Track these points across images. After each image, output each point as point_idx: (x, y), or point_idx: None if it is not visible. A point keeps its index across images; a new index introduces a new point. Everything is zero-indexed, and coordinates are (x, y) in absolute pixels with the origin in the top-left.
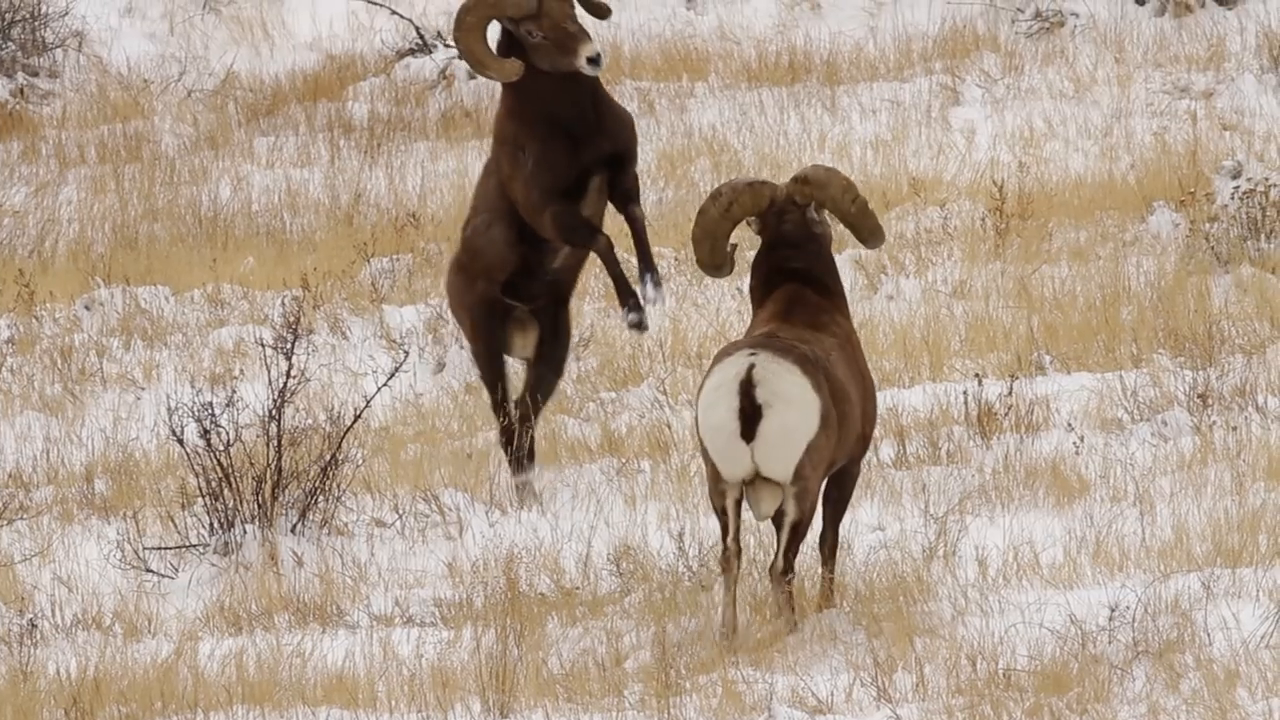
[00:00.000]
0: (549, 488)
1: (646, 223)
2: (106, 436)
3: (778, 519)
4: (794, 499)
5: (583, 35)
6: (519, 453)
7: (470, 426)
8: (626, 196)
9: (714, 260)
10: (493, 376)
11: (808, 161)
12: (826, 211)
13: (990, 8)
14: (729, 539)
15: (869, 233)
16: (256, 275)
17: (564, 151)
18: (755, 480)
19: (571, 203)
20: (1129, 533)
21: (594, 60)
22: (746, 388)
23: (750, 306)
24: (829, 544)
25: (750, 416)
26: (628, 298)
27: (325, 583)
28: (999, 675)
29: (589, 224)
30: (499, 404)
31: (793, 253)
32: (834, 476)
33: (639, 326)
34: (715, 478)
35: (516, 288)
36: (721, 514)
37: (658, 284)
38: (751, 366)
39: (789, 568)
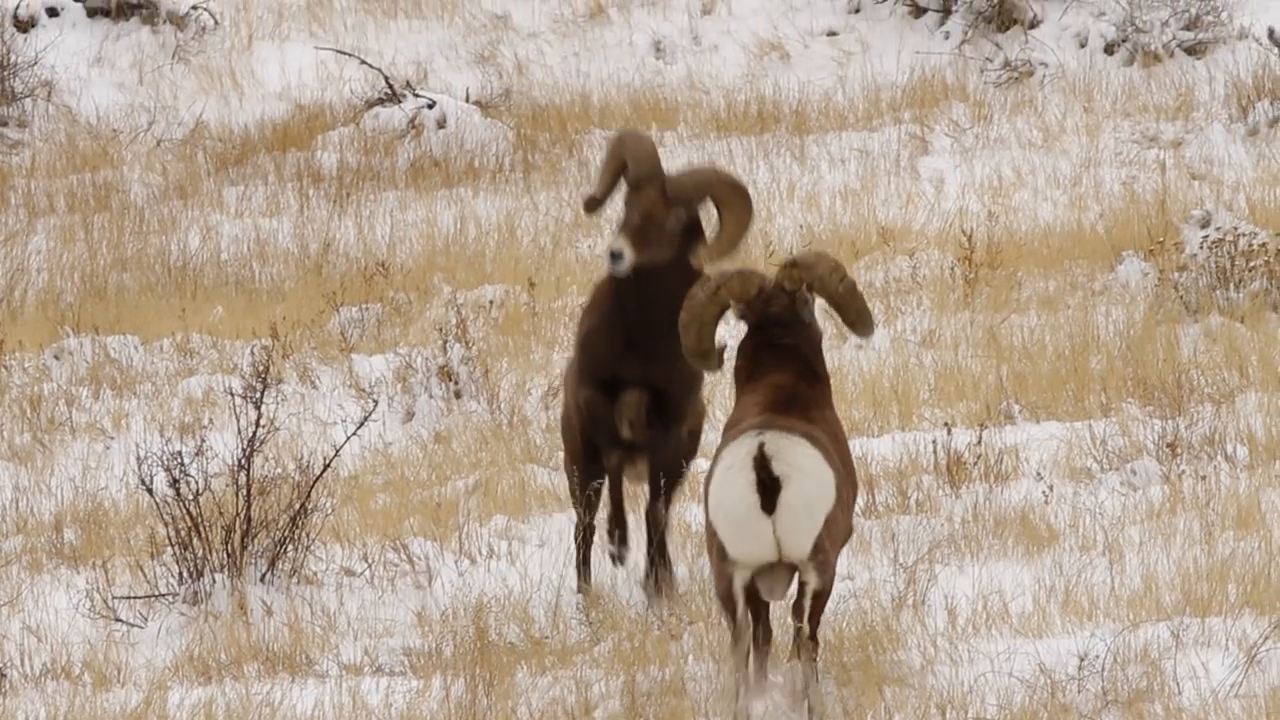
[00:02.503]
0: (518, 537)
1: (667, 528)
2: (76, 486)
3: (800, 590)
4: (815, 571)
5: (627, 230)
6: (584, 551)
7: (439, 476)
8: (655, 483)
9: (701, 346)
10: (577, 469)
11: (776, 211)
12: (815, 300)
13: (959, 57)
14: (738, 617)
15: (856, 315)
16: (225, 324)
17: (610, 346)
18: (770, 565)
19: (607, 397)
20: (1098, 582)
21: (612, 255)
22: (762, 462)
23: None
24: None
25: (769, 488)
26: (616, 529)
27: (294, 632)
28: None
29: (614, 434)
30: (578, 498)
31: (781, 331)
32: None
33: (615, 560)
34: (723, 563)
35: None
36: (728, 599)
37: (666, 585)
38: (762, 444)
39: (814, 634)
